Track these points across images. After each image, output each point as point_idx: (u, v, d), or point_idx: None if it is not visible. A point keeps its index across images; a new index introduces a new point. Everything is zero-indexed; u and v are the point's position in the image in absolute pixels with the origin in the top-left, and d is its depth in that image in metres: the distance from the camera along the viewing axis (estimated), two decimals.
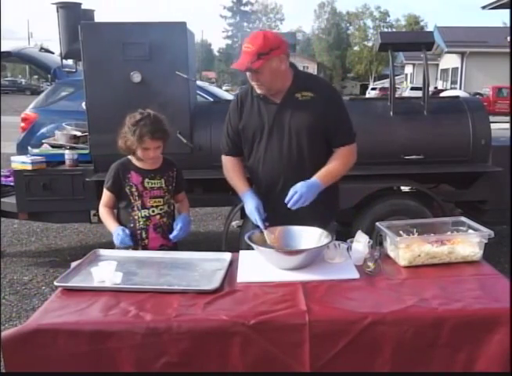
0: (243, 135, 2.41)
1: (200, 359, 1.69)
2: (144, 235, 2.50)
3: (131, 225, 2.50)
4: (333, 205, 2.54)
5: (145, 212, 2.49)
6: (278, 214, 2.27)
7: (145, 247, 2.49)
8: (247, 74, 2.26)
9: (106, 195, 2.53)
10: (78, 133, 4.47)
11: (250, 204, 2.30)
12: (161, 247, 2.50)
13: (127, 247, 2.37)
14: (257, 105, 2.36)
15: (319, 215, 2.29)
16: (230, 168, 2.47)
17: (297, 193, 2.17)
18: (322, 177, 2.26)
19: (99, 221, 4.48)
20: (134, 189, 2.48)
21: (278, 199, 2.26)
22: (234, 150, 2.47)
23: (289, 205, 2.18)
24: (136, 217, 2.49)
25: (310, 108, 2.29)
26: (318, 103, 2.30)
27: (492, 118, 4.92)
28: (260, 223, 2.23)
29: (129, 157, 2.51)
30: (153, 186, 2.50)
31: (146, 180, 2.49)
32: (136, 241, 2.48)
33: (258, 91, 2.30)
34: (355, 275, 2.01)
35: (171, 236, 2.46)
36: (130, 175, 2.48)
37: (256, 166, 2.41)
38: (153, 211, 2.50)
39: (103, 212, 2.52)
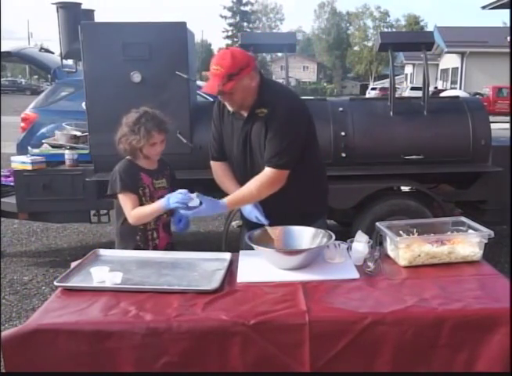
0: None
1: (200, 359, 1.69)
2: (155, 235, 2.48)
3: (141, 226, 2.45)
4: (320, 203, 2.52)
5: None
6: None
7: (155, 248, 2.47)
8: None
9: (130, 198, 2.35)
10: (78, 133, 4.47)
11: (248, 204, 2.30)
12: (167, 245, 2.51)
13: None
14: (231, 119, 2.36)
15: (301, 214, 2.31)
16: (221, 173, 2.46)
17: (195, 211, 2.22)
18: (230, 201, 2.25)
19: (99, 221, 4.52)
20: (146, 190, 2.44)
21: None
22: (222, 155, 2.46)
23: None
24: None
25: (263, 125, 2.23)
26: (266, 120, 2.22)
27: (492, 118, 4.92)
28: (262, 219, 2.23)
29: (129, 158, 2.45)
30: (160, 186, 2.49)
31: (154, 181, 2.47)
32: (147, 242, 2.45)
33: (230, 108, 2.28)
34: (355, 275, 2.01)
35: (176, 228, 2.40)
36: (141, 176, 2.43)
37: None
38: None
39: (137, 212, 2.34)
